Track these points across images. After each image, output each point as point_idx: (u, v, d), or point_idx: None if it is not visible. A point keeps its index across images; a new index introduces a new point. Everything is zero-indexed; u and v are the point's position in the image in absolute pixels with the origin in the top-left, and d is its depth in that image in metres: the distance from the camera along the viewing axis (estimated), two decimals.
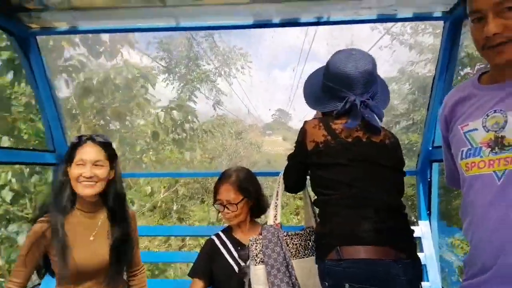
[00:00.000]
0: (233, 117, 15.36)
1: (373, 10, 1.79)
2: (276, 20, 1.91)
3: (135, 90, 6.07)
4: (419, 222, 2.35)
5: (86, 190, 1.45)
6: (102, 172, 1.48)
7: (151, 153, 7.08)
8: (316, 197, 1.37)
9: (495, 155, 0.98)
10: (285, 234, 1.48)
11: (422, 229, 2.31)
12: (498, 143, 0.98)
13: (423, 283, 2.19)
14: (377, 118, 1.34)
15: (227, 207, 1.67)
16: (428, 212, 2.34)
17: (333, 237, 1.23)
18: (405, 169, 1.42)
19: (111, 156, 1.54)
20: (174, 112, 7.03)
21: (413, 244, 1.30)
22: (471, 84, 1.13)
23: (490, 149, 1.00)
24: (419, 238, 2.30)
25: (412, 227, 1.32)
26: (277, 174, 1.67)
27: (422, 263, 2.20)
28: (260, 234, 1.47)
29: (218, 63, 13.66)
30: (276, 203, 1.52)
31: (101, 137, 1.54)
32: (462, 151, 1.07)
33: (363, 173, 1.27)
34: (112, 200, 1.53)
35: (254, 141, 15.88)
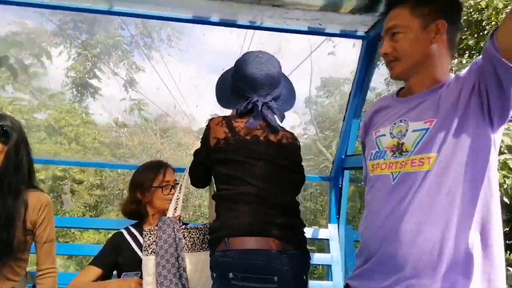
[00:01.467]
0: (156, 109, 12.26)
1: (301, 21, 1.91)
2: (215, 18, 1.95)
3: None
4: (329, 225, 2.51)
5: None
6: None
7: None
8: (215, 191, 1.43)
9: (395, 158, 1.11)
10: (183, 227, 1.52)
11: (331, 232, 2.47)
12: (399, 149, 1.11)
13: (327, 283, 2.35)
14: (277, 119, 1.43)
15: (174, 188, 1.70)
16: (337, 216, 2.52)
17: (224, 230, 1.29)
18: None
19: None
20: None
21: (302, 238, 1.39)
22: (391, 96, 1.29)
23: (392, 153, 1.13)
24: (327, 240, 2.48)
25: (306, 226, 1.43)
26: None
27: (328, 264, 2.39)
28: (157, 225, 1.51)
29: (136, 29, 9.65)
30: (178, 196, 1.56)
31: None
32: (371, 153, 1.20)
33: (259, 171, 1.34)
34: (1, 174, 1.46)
35: (184, 141, 13.06)
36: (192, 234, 1.54)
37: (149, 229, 1.50)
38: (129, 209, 1.75)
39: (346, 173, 2.50)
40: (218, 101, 1.52)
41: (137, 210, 1.73)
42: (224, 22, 1.95)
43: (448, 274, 0.98)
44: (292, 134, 1.51)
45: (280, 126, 1.46)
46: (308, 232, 2.51)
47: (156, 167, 1.75)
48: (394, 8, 1.16)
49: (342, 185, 2.51)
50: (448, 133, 1.03)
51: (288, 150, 1.44)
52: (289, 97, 1.55)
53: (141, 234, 1.68)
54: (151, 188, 1.70)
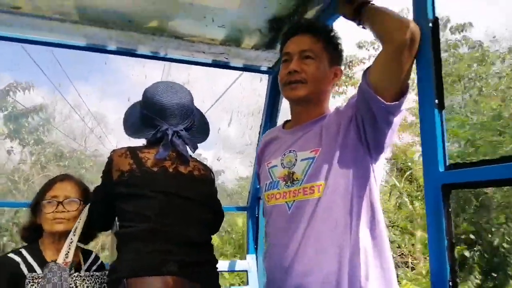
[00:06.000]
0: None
1: (207, 54, 1.91)
2: (112, 46, 1.85)
3: None
4: (247, 256, 2.47)
5: None
6: None
7: None
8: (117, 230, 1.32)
9: (288, 188, 1.13)
10: (75, 274, 1.37)
11: (249, 263, 2.43)
12: (290, 178, 1.14)
13: None
14: (189, 149, 1.38)
15: (63, 205, 1.41)
16: (255, 246, 2.49)
17: (122, 270, 1.19)
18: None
19: None
20: None
21: (211, 274, 1.33)
22: (278, 128, 1.33)
23: (285, 182, 1.15)
24: (246, 271, 2.42)
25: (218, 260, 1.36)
26: None
27: None
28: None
29: None
30: (71, 239, 1.39)
31: None
32: (266, 184, 1.21)
33: (163, 205, 1.27)
34: None
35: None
36: (86, 283, 1.38)
37: (32, 277, 1.32)
38: (23, 234, 1.48)
39: (262, 202, 2.49)
40: (125, 131, 1.42)
41: (33, 235, 1.46)
42: (125, 51, 1.87)
43: None
44: (205, 165, 1.45)
45: (193, 157, 1.40)
46: (226, 264, 2.46)
47: (50, 181, 1.49)
48: (305, 34, 1.18)
49: (258, 214, 2.49)
50: (332, 161, 1.08)
51: (200, 182, 1.38)
52: (202, 129, 1.50)
53: (39, 263, 1.39)
54: (37, 206, 1.44)
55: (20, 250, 1.41)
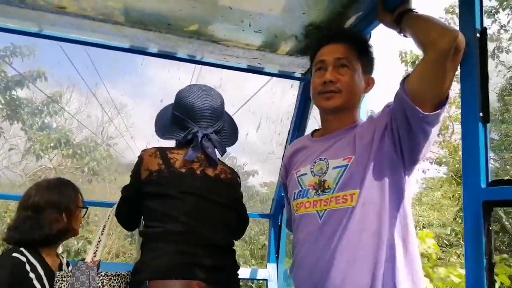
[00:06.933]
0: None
1: (241, 59, 1.92)
2: (150, 49, 1.90)
3: None
4: (267, 264, 2.45)
5: None
6: None
7: None
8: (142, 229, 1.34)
9: (318, 196, 1.11)
10: (102, 274, 1.39)
11: (270, 272, 2.41)
12: (321, 186, 1.12)
13: None
14: (217, 152, 1.39)
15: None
16: (276, 255, 2.46)
17: (145, 271, 1.20)
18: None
19: None
20: None
21: (233, 280, 1.33)
22: (306, 137, 1.31)
23: (315, 191, 1.13)
24: (266, 280, 2.40)
25: (240, 266, 1.36)
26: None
27: None
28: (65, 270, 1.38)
29: None
30: (99, 238, 1.43)
31: None
32: (294, 192, 1.19)
33: (190, 207, 1.27)
34: None
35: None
36: (112, 282, 1.39)
37: (61, 275, 1.34)
38: (46, 234, 1.39)
39: (284, 212, 2.47)
40: (156, 132, 1.44)
41: (61, 234, 1.45)
42: (163, 54, 1.91)
43: None
44: (232, 169, 1.46)
45: (220, 160, 1.41)
46: (247, 272, 2.45)
47: (76, 188, 1.55)
48: (340, 42, 1.18)
49: (281, 223, 2.47)
50: (366, 169, 1.06)
51: (226, 186, 1.39)
52: (232, 132, 1.51)
53: (42, 267, 1.38)
54: (77, 208, 1.50)
55: (21, 249, 1.37)
